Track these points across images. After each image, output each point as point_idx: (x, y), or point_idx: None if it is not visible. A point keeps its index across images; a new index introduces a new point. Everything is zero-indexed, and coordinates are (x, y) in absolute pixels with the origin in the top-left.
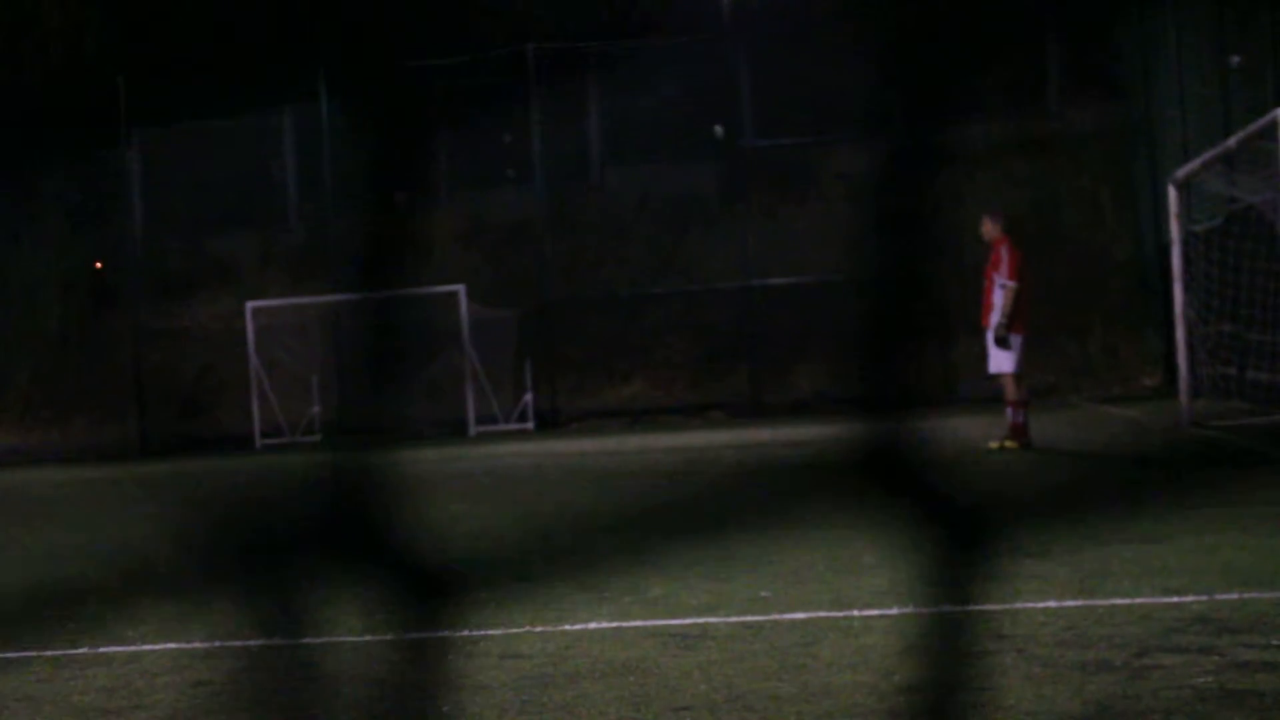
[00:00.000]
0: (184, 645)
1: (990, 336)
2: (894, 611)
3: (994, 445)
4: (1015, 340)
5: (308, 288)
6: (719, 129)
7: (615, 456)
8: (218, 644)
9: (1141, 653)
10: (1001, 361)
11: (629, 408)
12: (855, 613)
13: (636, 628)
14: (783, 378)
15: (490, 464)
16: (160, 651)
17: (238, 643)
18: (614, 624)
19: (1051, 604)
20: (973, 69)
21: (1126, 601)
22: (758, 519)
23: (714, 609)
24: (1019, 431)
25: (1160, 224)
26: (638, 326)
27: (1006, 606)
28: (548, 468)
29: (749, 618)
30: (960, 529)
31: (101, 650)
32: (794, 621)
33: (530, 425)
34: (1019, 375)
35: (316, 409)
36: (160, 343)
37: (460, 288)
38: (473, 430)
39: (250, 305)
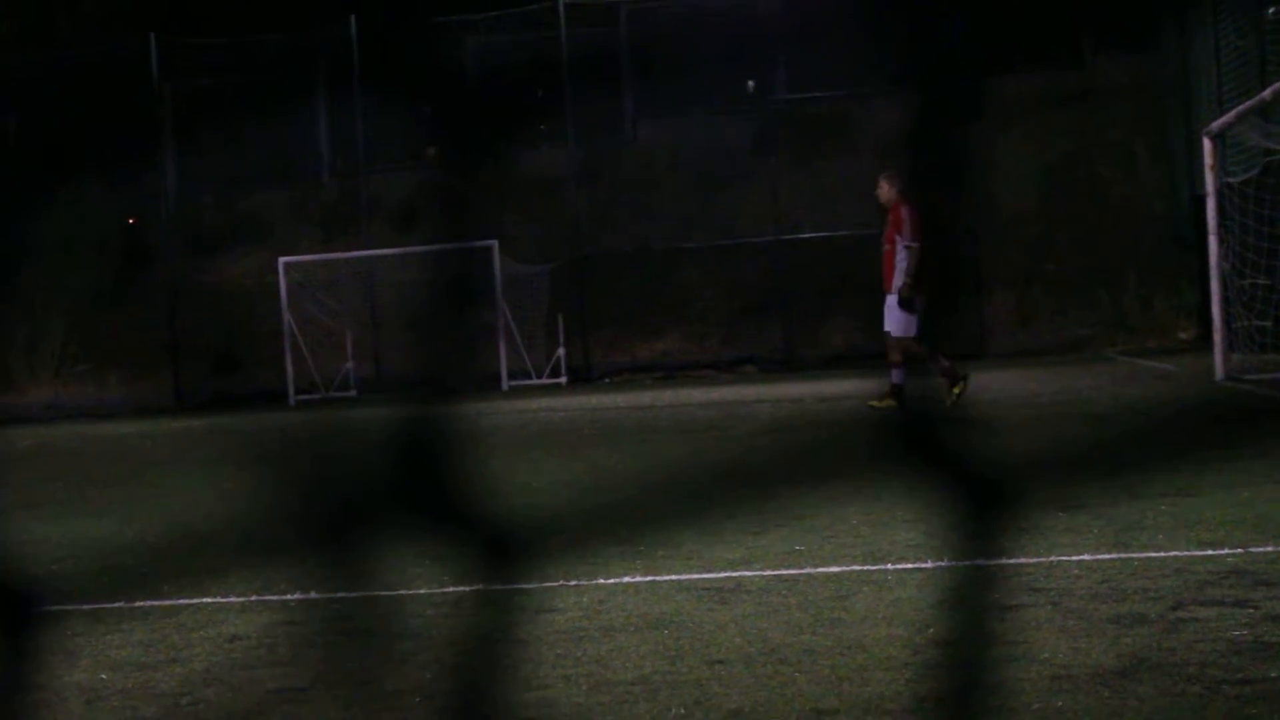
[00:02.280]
0: (220, 600)
1: (893, 299)
2: (928, 565)
3: (875, 404)
4: (917, 303)
5: (340, 243)
6: (751, 83)
7: (648, 411)
8: (253, 599)
9: (1176, 606)
10: (902, 324)
11: (662, 362)
12: (889, 566)
13: (671, 581)
14: (816, 332)
15: (523, 419)
16: (196, 605)
17: (273, 597)
18: (648, 578)
19: (1086, 557)
20: (1007, 21)
21: (1161, 555)
22: (791, 473)
23: (748, 563)
24: (898, 391)
25: (1195, 176)
26: (670, 281)
27: (1041, 560)
28: (581, 423)
29: (783, 571)
30: (994, 483)
31: (138, 604)
32: (828, 575)
33: (563, 380)
34: (919, 339)
35: (350, 365)
36: (194, 299)
37: (493, 243)
38: (506, 385)
39: (283, 261)
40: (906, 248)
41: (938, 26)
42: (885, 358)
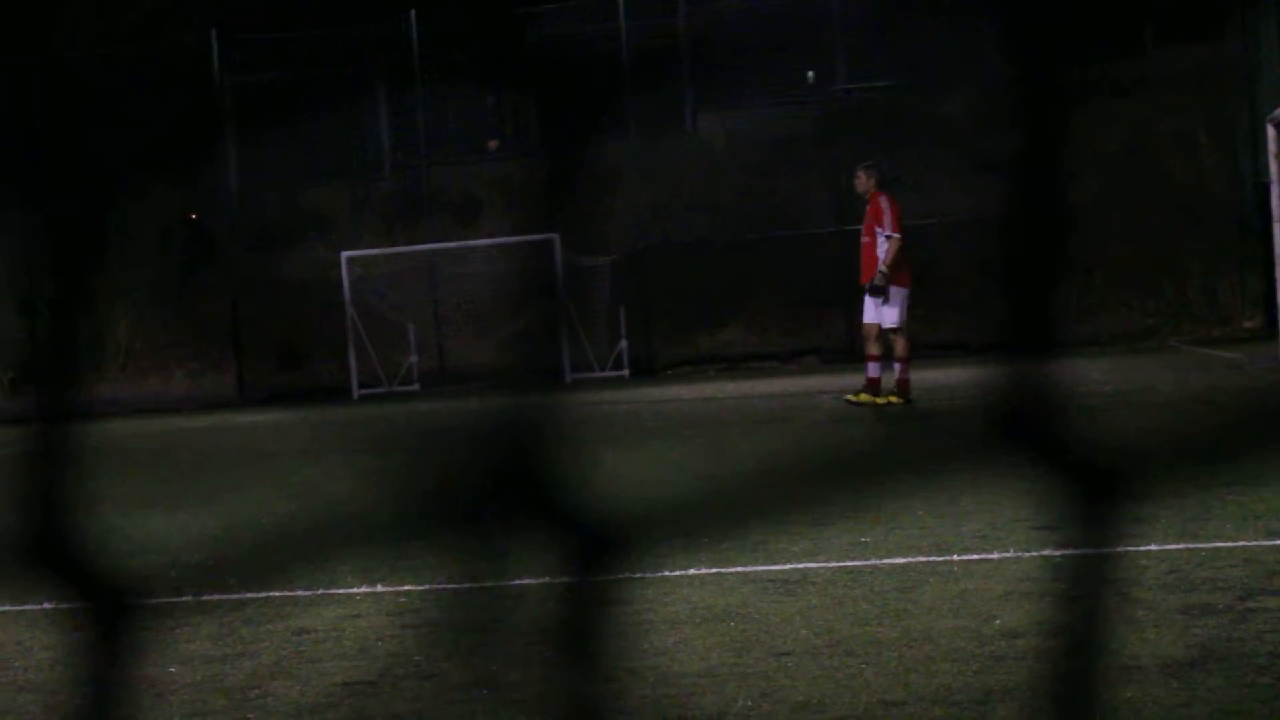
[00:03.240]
0: (287, 593)
1: (869, 288)
2: (994, 556)
3: (850, 398)
4: (898, 293)
5: (402, 237)
6: (810, 74)
7: (711, 403)
8: (320, 592)
9: (1245, 596)
10: (883, 315)
11: (724, 354)
12: (955, 557)
13: (736, 574)
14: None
15: (586, 412)
16: (263, 599)
17: (339, 590)
18: (713, 570)
19: (1153, 547)
20: (1071, 9)
21: (1229, 545)
22: (855, 464)
23: (813, 554)
24: (904, 387)
25: (1259, 164)
26: (731, 272)
27: (1107, 550)
28: (644, 415)
29: (848, 563)
30: (1059, 473)
31: (205, 598)
32: (893, 566)
33: (626, 372)
34: (902, 329)
35: (414, 358)
36: (257, 293)
37: (554, 236)
38: (568, 378)
39: (345, 255)
40: (888, 238)
41: (1002, 15)
42: (863, 352)
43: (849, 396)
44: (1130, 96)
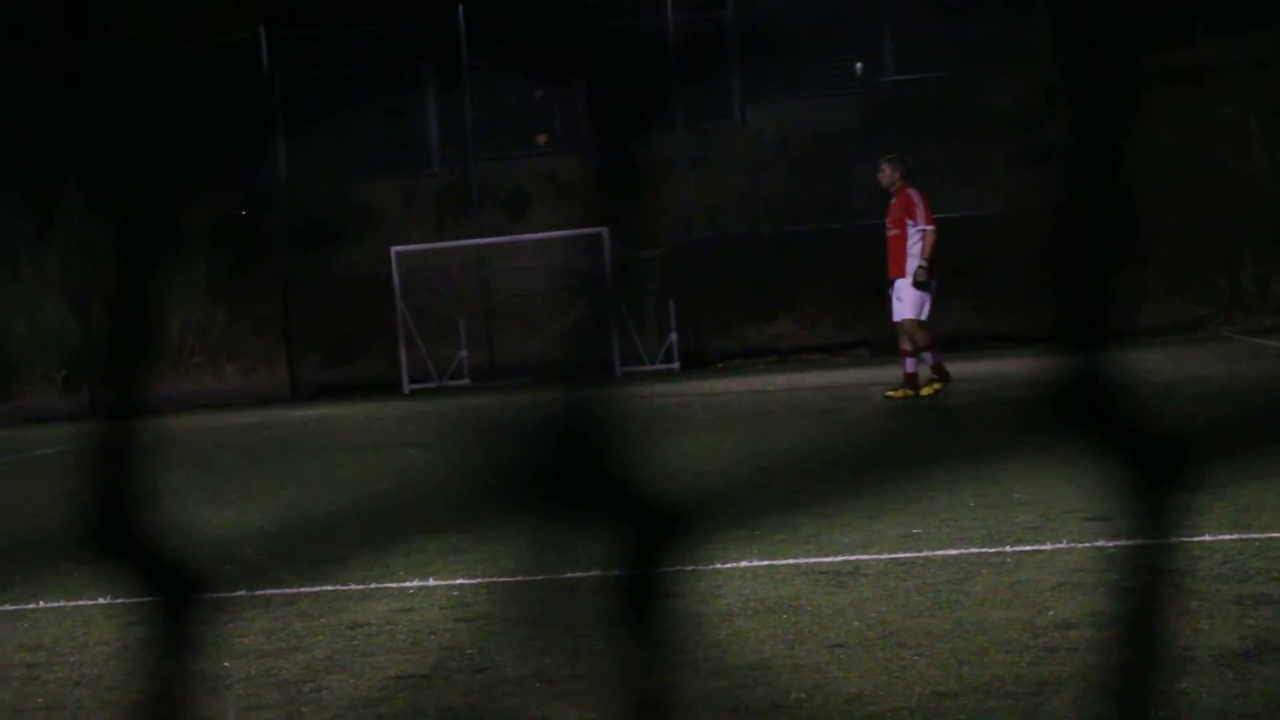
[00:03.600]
0: (340, 587)
1: (906, 282)
2: (1047, 547)
3: (890, 394)
4: (932, 285)
5: (452, 231)
6: (859, 65)
7: (762, 395)
8: (373, 586)
9: None
10: (915, 307)
11: (774, 346)
12: (1008, 548)
13: (788, 565)
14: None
15: (636, 405)
16: (317, 593)
17: (392, 584)
18: (765, 562)
19: (1207, 538)
20: None
21: None
22: (907, 456)
23: (865, 546)
24: (940, 370)
25: None
26: (781, 265)
27: (1161, 540)
28: (694, 407)
29: (901, 555)
30: (1112, 464)
31: (259, 593)
32: (946, 558)
33: (676, 365)
34: (926, 322)
35: (464, 353)
36: (307, 289)
37: (604, 229)
38: (618, 371)
39: (395, 250)
40: (923, 231)
41: (1053, 5)
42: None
43: (889, 393)
44: (1182, 86)
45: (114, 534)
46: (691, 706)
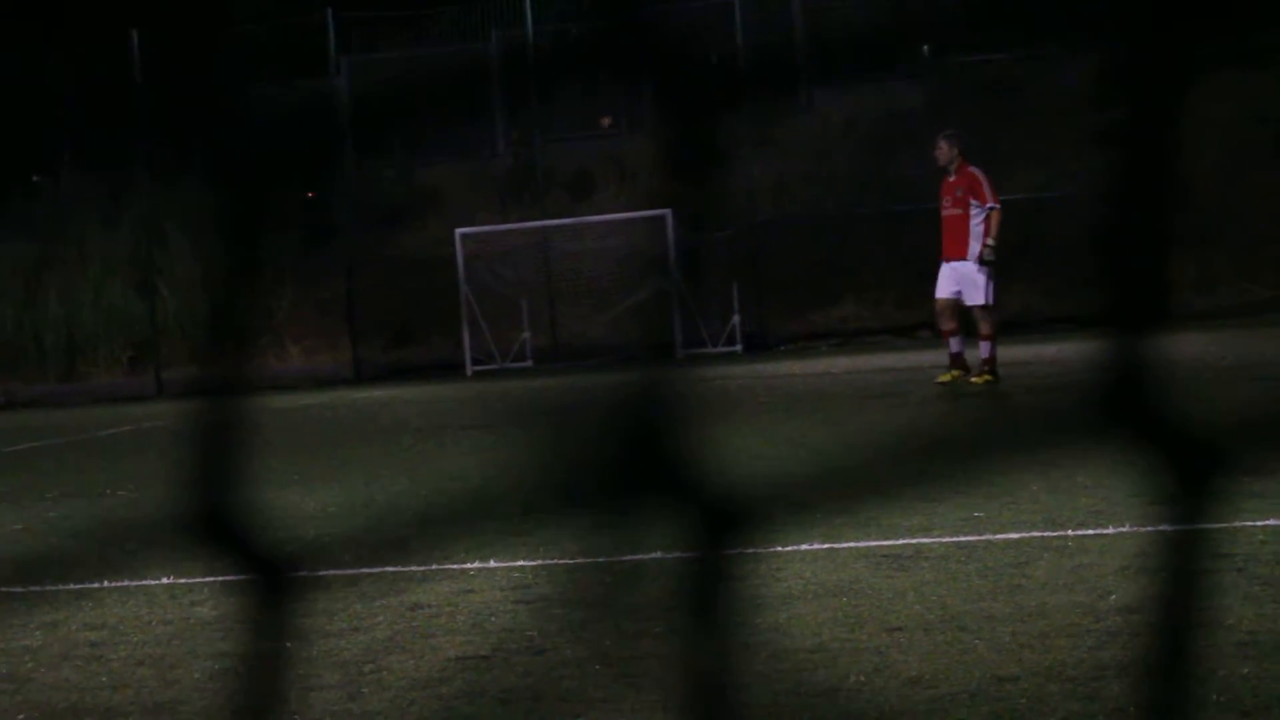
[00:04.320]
0: (400, 569)
1: (973, 266)
2: (1109, 531)
3: (951, 376)
4: (989, 269)
5: (516, 214)
6: (925, 46)
7: (824, 378)
8: (433, 567)
9: None
10: (985, 292)
11: (838, 329)
12: (1069, 532)
13: (848, 549)
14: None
15: (699, 388)
16: (377, 575)
17: (453, 566)
18: (826, 545)
19: (1272, 522)
20: None
21: None
22: (968, 439)
23: (926, 530)
24: (992, 363)
25: None
26: (845, 247)
27: (1225, 525)
28: (757, 390)
29: (961, 538)
30: (1176, 446)
31: (320, 574)
32: (1007, 541)
33: (738, 348)
34: (993, 307)
35: (527, 335)
36: (372, 271)
37: (667, 212)
38: (681, 354)
39: (459, 232)
40: (991, 209)
41: None
42: (975, 332)
43: (941, 378)
44: (1253, 67)
45: (182, 514)
46: (751, 689)
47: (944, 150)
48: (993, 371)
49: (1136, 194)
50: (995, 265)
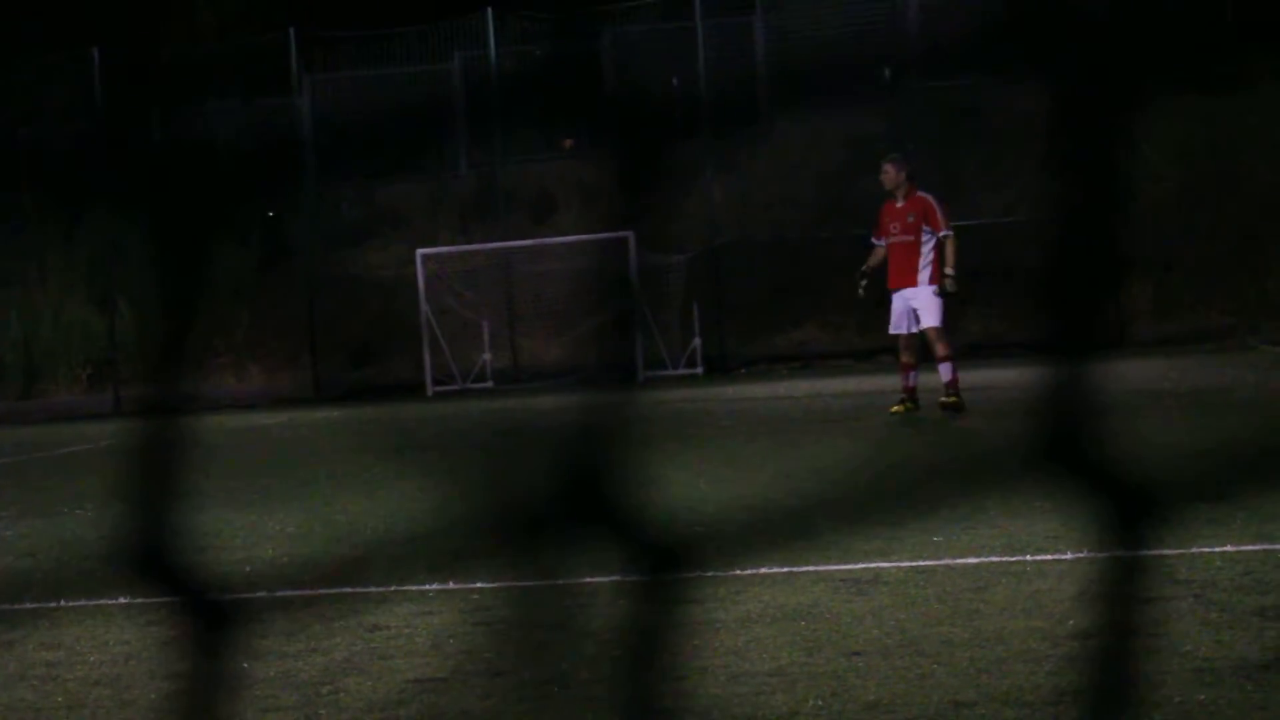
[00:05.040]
0: (359, 590)
1: (926, 290)
2: (1067, 556)
3: (904, 408)
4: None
5: (477, 234)
6: (887, 71)
7: (785, 402)
8: (392, 589)
9: None
10: (939, 315)
11: (799, 352)
12: (1028, 557)
13: (808, 573)
14: (953, 321)
15: (659, 410)
16: (336, 595)
17: (412, 587)
18: (785, 569)
19: (1229, 549)
20: (1151, 5)
21: None
22: (928, 463)
23: (885, 554)
24: (955, 385)
25: None
26: (807, 271)
27: (1183, 551)
28: (717, 413)
29: (920, 562)
30: (1134, 473)
31: (278, 594)
32: (966, 566)
33: (699, 370)
34: (945, 329)
35: (488, 356)
36: (333, 291)
37: (629, 234)
38: (641, 376)
39: (421, 252)
40: (944, 237)
41: (1080, 11)
42: (931, 355)
43: (893, 409)
44: (1213, 93)
45: (135, 535)
46: (709, 713)
47: (891, 174)
48: (956, 394)
49: (1089, 221)
50: (953, 295)
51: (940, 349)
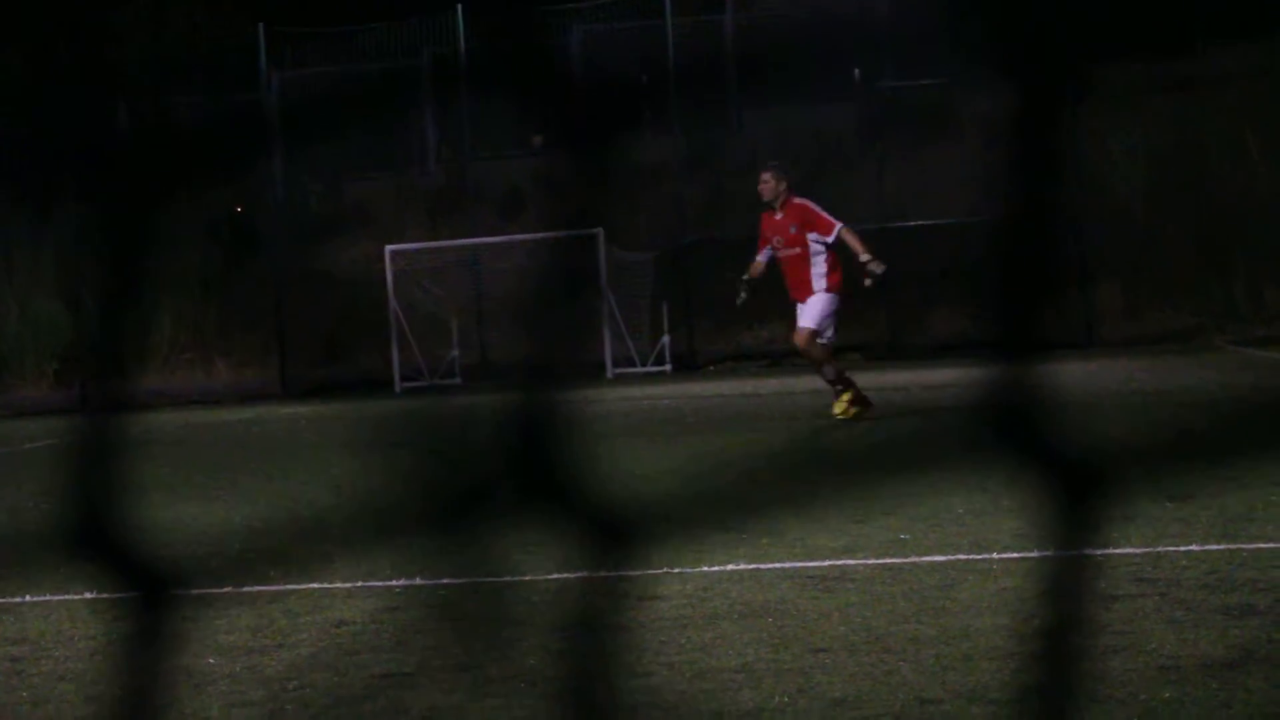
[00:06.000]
0: (326, 585)
1: (828, 298)
2: (1034, 554)
3: (846, 413)
4: (831, 299)
5: (446, 231)
6: (856, 71)
7: (753, 399)
8: (359, 584)
9: None
10: (817, 317)
11: (767, 350)
12: (994, 555)
13: (774, 570)
14: (921, 320)
15: (627, 406)
16: (302, 591)
17: (378, 583)
18: (752, 566)
19: (1194, 548)
20: (1115, 6)
21: (1271, 545)
22: (895, 461)
23: (852, 551)
24: (846, 382)
25: None
26: (775, 268)
27: (1148, 550)
28: (685, 410)
29: (887, 560)
30: (1100, 472)
31: (245, 589)
32: (933, 564)
33: (668, 368)
34: (825, 334)
35: (456, 352)
36: (301, 286)
37: (599, 231)
38: (611, 373)
39: (389, 249)
40: (839, 231)
41: (1045, 10)
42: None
43: (835, 410)
44: (1180, 96)
45: (101, 528)
46: (675, 709)
47: (770, 184)
48: (846, 389)
49: (1055, 221)
50: (883, 277)
51: (815, 352)
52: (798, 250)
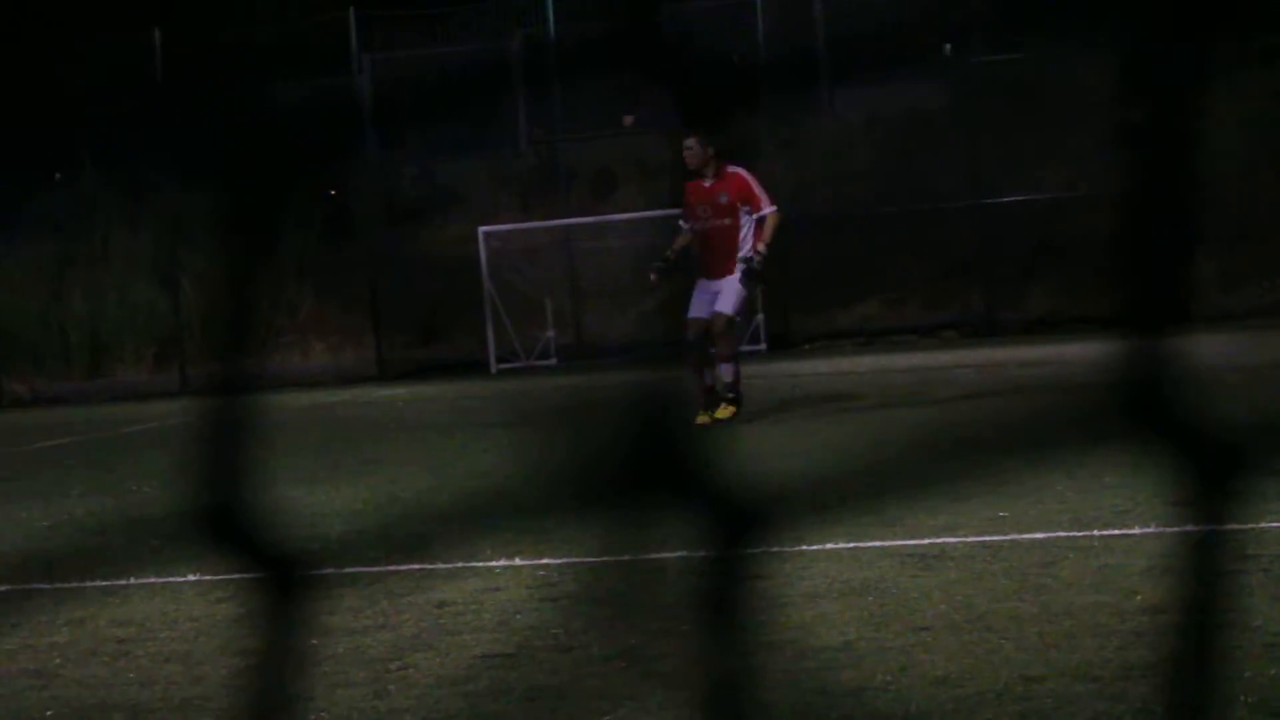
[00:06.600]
0: (427, 566)
1: (733, 278)
2: (1135, 531)
3: (711, 416)
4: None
5: (538, 212)
6: (948, 46)
7: (848, 377)
8: (459, 565)
9: None
10: (735, 303)
11: (862, 328)
12: (1095, 532)
13: (874, 548)
14: (1017, 296)
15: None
16: (404, 572)
17: (479, 563)
18: (851, 544)
19: None
20: None
21: None
22: (994, 438)
23: (952, 529)
24: (736, 388)
25: None
26: (869, 247)
27: (1251, 526)
28: (781, 389)
29: (987, 538)
30: (1201, 447)
31: (346, 571)
32: (1033, 541)
33: (763, 347)
34: (739, 324)
35: (551, 333)
36: (395, 269)
37: None
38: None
39: (482, 230)
40: (766, 214)
41: None
42: (713, 349)
43: (700, 419)
44: (1269, 68)
45: (203, 513)
46: (777, 688)
47: (696, 150)
48: (736, 400)
49: (1157, 193)
50: (759, 279)
51: (724, 345)
52: (728, 221)
